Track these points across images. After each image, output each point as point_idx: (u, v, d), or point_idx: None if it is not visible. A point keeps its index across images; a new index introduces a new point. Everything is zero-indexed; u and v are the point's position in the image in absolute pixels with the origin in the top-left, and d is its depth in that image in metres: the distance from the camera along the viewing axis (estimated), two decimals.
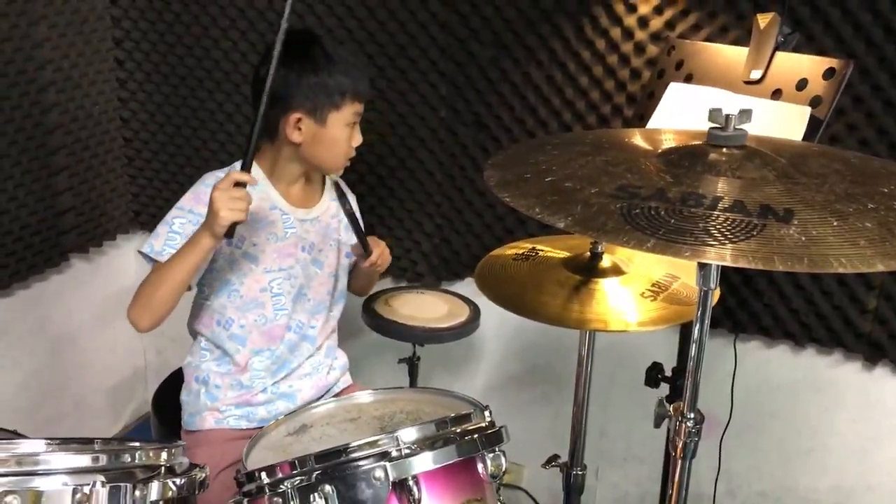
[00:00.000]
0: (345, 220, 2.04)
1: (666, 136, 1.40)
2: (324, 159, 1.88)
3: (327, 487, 1.23)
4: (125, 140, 2.81)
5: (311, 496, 1.24)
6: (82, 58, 2.60)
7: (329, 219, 2.01)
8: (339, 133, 1.84)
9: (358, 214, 2.05)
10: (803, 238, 0.98)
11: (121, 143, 2.81)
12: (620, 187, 1.09)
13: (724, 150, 1.18)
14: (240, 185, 1.67)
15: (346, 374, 2.12)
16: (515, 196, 1.10)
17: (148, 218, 2.89)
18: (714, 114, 1.20)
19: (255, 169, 1.89)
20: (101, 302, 2.88)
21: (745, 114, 1.19)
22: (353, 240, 2.02)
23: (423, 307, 2.32)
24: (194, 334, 1.98)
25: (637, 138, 1.41)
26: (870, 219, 1.02)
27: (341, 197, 2.01)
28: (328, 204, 2.01)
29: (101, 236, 2.80)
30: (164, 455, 1.18)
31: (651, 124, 2.00)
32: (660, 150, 1.24)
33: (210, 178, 1.86)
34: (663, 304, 1.69)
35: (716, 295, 1.72)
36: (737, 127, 1.19)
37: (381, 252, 1.99)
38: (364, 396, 1.82)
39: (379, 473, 1.23)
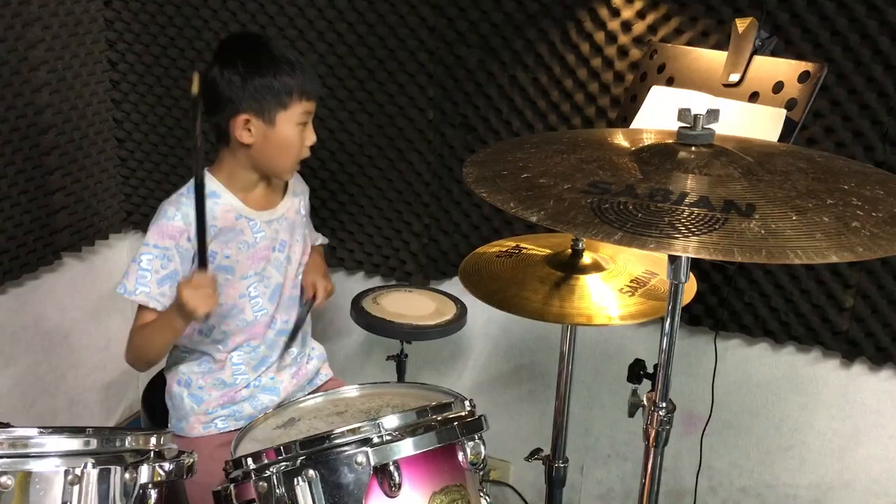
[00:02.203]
0: (304, 214, 2.10)
1: (645, 135, 1.45)
2: (275, 161, 1.89)
3: (311, 472, 1.27)
4: (118, 141, 2.85)
5: (296, 480, 1.28)
6: (76, 59, 2.64)
7: (294, 214, 2.05)
8: (288, 132, 1.86)
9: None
10: (763, 231, 1.02)
11: (114, 144, 2.85)
12: (592, 183, 1.13)
13: (693, 148, 1.23)
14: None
15: (326, 365, 2.16)
16: (492, 192, 1.14)
17: (140, 218, 2.93)
18: (683, 114, 1.24)
19: (213, 182, 1.91)
20: (94, 301, 2.91)
21: (713, 114, 1.24)
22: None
23: (410, 305, 2.36)
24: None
25: (616, 138, 1.46)
26: (828, 214, 1.07)
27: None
28: (290, 200, 2.05)
29: (94, 236, 2.84)
30: (153, 440, 1.22)
31: (634, 126, 2.04)
32: (632, 149, 1.29)
33: (170, 209, 1.87)
34: (642, 300, 1.73)
35: (690, 290, 1.77)
36: (705, 126, 1.24)
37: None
38: (351, 391, 1.86)
39: (361, 458, 1.28)
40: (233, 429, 1.97)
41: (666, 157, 1.21)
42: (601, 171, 1.18)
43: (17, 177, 2.50)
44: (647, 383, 2.18)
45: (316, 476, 1.27)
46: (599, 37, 2.27)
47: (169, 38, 2.70)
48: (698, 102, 2.00)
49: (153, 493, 1.17)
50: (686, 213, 1.06)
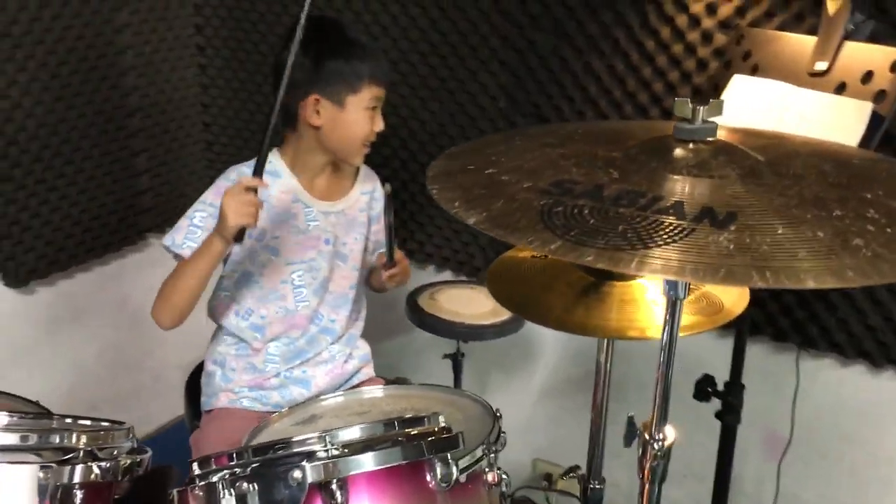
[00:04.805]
0: (375, 215, 2.01)
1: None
2: (343, 145, 1.86)
3: (245, 485, 1.16)
4: (204, 125, 2.88)
5: (223, 493, 1.16)
6: (164, 43, 2.67)
7: (357, 212, 1.98)
8: (357, 116, 1.83)
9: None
10: (731, 246, 0.85)
11: (200, 128, 2.88)
12: (556, 183, 0.99)
13: (691, 145, 1.05)
14: (251, 189, 1.66)
15: (369, 366, 2.08)
16: (443, 189, 1.02)
17: None
18: (679, 104, 1.07)
19: (278, 161, 1.90)
20: None
21: (717, 105, 1.06)
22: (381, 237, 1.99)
23: (467, 303, 2.25)
24: (214, 320, 1.99)
25: (636, 131, 1.29)
26: (826, 227, 0.88)
27: (387, 207, 1.86)
28: (357, 197, 1.99)
29: (178, 217, 2.87)
30: (84, 439, 1.16)
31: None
32: (631, 144, 1.12)
33: (233, 173, 1.88)
34: (687, 314, 1.55)
35: (742, 302, 1.57)
36: (706, 119, 1.06)
37: (403, 267, 1.96)
38: (377, 391, 1.79)
39: (297, 474, 1.14)
40: (258, 409, 1.94)
41: (656, 155, 1.04)
42: (575, 168, 1.03)
43: (103, 158, 2.56)
44: (715, 402, 2.01)
45: (253, 489, 1.16)
46: (681, 20, 2.08)
47: (252, 23, 2.69)
48: (778, 93, 1.80)
49: (79, 494, 1.11)
50: (648, 221, 0.90)
